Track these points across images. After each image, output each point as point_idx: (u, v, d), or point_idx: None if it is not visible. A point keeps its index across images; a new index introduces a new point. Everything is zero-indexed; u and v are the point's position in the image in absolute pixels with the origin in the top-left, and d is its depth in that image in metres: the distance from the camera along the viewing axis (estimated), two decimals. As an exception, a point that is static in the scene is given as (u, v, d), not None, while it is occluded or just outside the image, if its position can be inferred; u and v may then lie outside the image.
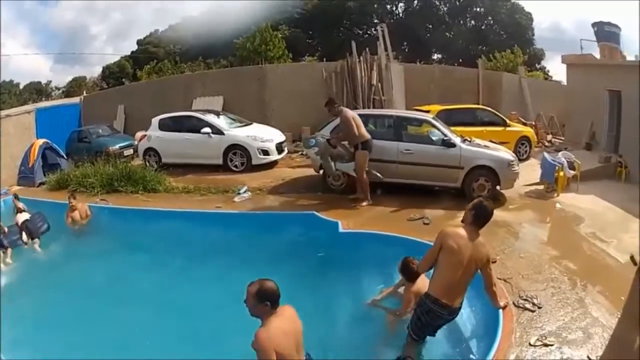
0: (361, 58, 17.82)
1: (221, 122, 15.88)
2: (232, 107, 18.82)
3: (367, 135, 10.42)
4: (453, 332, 5.76)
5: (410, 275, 6.09)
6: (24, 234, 12.02)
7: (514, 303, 6.16)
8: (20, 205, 13.67)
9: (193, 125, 15.95)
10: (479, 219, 5.15)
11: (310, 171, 13.30)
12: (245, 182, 13.24)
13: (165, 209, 12.26)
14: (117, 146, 19.07)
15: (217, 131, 15.34)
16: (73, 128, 23.34)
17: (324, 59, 26.08)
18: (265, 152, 14.83)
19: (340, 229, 9.20)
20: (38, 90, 55.46)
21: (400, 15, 46.64)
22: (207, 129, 15.36)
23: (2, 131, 21.57)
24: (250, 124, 16.27)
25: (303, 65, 25.43)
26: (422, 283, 5.89)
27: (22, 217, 12.81)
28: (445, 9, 46.79)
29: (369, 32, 44.34)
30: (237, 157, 15.03)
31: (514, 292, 6.49)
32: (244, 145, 14.89)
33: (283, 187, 12.73)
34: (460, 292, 5.14)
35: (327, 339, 5.88)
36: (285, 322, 4.40)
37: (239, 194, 12.34)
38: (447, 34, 45.82)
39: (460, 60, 41.44)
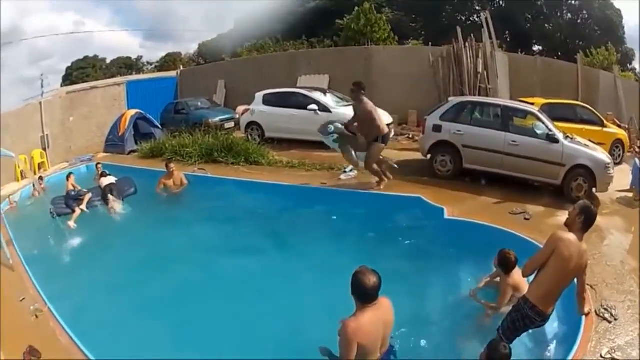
0: (467, 44, 17.60)
1: (328, 100, 16.01)
2: (338, 86, 18.81)
3: (387, 129, 10.42)
4: (533, 334, 5.66)
5: (507, 267, 6.14)
6: (109, 196, 12.93)
7: (595, 311, 6.06)
8: (100, 168, 14.98)
9: (299, 102, 16.21)
10: (588, 225, 5.00)
11: (417, 155, 13.29)
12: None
13: (267, 181, 12.52)
14: (217, 119, 19.60)
15: (324, 109, 15.49)
16: (169, 101, 24.32)
17: (429, 44, 25.84)
18: None
19: (446, 216, 9.22)
20: (128, 65, 58.54)
21: (501, 3, 45.71)
22: (313, 106, 15.55)
23: (88, 102, 23.27)
24: None
25: (409, 49, 25.30)
26: (518, 276, 5.99)
27: (107, 180, 13.69)
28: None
29: (471, 18, 43.67)
30: None
31: (597, 300, 6.39)
32: None
33: (389, 168, 12.46)
34: (556, 299, 5.11)
35: (418, 325, 5.89)
36: (377, 316, 4.39)
37: (345, 172, 12.40)
38: (546, 25, 44.56)
39: (560, 53, 40.26)
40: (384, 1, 42.91)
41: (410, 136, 16.58)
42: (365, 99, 10.43)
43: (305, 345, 5.50)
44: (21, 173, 18.43)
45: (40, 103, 20.64)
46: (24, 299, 8.14)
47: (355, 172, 12.29)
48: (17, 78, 71.94)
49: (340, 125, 10.62)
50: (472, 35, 17.77)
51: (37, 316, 7.49)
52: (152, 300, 7.79)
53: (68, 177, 14.54)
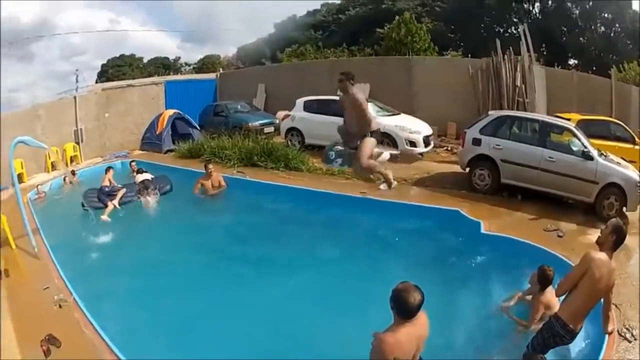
0: (505, 57, 17.54)
1: (369, 108, 15.67)
2: (379, 95, 18.85)
3: (377, 126, 9.48)
4: (556, 350, 5.58)
5: (544, 284, 6.18)
6: (145, 192, 13.34)
7: (618, 331, 6.10)
8: (134, 166, 15.45)
9: (340, 110, 15.90)
10: (619, 244, 5.06)
11: (456, 167, 13.31)
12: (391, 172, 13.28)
13: (307, 187, 12.65)
14: (257, 123, 19.79)
15: (366, 117, 15.35)
16: (207, 102, 24.66)
17: (469, 55, 25.79)
18: (413, 144, 14.78)
19: (482, 230, 9.26)
20: (165, 65, 58.86)
21: (537, 15, 45.28)
22: (354, 114, 15.43)
23: (125, 99, 23.56)
24: (399, 113, 16.30)
25: (449, 60, 25.17)
26: (551, 295, 6.05)
27: (142, 177, 14.10)
28: (577, 12, 44.91)
29: (509, 30, 43.42)
30: (384, 146, 14.96)
31: (620, 319, 6.41)
32: (391, 134, 14.90)
33: (428, 180, 12.76)
34: (585, 317, 5.16)
35: (449, 337, 5.94)
36: (414, 332, 4.36)
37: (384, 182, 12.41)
38: (580, 38, 44.02)
39: (594, 67, 39.76)
40: (423, 11, 42.96)
41: (449, 148, 16.56)
42: (355, 89, 9.30)
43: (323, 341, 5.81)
44: (52, 164, 18.91)
45: (75, 97, 21.10)
46: (47, 287, 8.33)
47: (395, 182, 12.35)
48: (49, 72, 73.34)
49: (339, 147, 9.93)
50: (510, 48, 17.71)
51: (60, 306, 7.64)
52: (177, 297, 7.94)
53: (107, 170, 14.77)
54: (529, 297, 6.49)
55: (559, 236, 9.05)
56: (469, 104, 17.85)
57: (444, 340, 5.40)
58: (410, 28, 34.42)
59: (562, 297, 5.31)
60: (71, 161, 19.99)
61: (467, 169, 12.30)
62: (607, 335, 5.68)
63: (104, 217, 12.64)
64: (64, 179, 16.60)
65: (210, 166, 13.85)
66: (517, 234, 8.87)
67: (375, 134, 9.20)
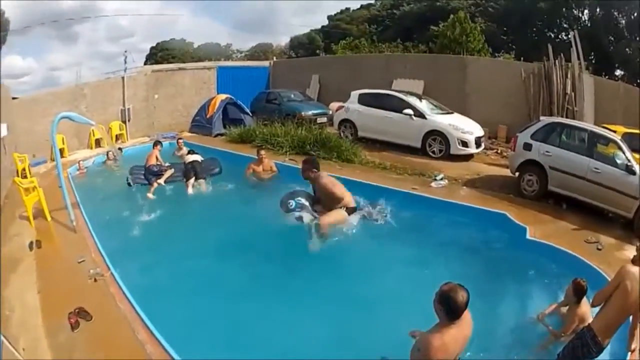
0: (556, 63, 17.34)
1: (423, 106, 15.97)
2: (432, 93, 18.77)
3: (352, 203, 9.57)
4: None
5: (580, 296, 6.14)
6: (192, 173, 13.58)
7: None
8: (184, 149, 15.73)
9: (394, 105, 16.25)
10: None
11: (504, 171, 13.27)
12: (442, 170, 13.36)
13: (359, 180, 12.60)
14: (310, 112, 19.87)
15: (419, 114, 15.51)
16: (259, 89, 24.80)
17: (521, 58, 25.50)
18: (464, 144, 14.77)
19: (528, 236, 9.21)
20: (217, 52, 59.44)
21: (587, 22, 44.31)
22: (409, 111, 15.60)
23: (175, 82, 24.16)
24: (452, 112, 16.25)
25: (502, 62, 24.76)
26: (586, 307, 6.07)
27: (192, 157, 14.30)
28: (623, 22, 43.72)
29: (559, 36, 42.68)
30: (436, 144, 15.13)
31: None
32: (444, 132, 14.92)
33: (478, 182, 12.70)
34: (614, 332, 5.19)
35: (482, 338, 5.78)
36: (459, 333, 4.38)
37: (436, 180, 12.54)
38: (627, 49, 42.97)
39: (639, 80, 38.82)
40: (477, 10, 42.54)
41: (499, 151, 16.40)
42: (321, 174, 9.63)
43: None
44: (96, 141, 19.44)
45: (123, 78, 21.55)
46: (83, 260, 8.46)
47: (446, 181, 12.42)
48: (94, 52, 74.29)
49: (302, 200, 9.84)
50: (561, 54, 17.48)
51: (96, 280, 7.75)
52: (218, 278, 8.03)
53: (155, 144, 15.11)
54: (564, 309, 6.50)
55: (598, 249, 8.90)
56: (520, 108, 17.71)
57: (479, 340, 5.29)
58: (464, 27, 34.29)
59: (597, 310, 5.38)
60: (116, 139, 20.54)
61: (517, 174, 12.23)
62: (629, 353, 5.68)
63: (149, 194, 12.98)
64: (107, 155, 16.93)
65: (263, 152, 14.01)
66: (560, 242, 8.81)
67: (349, 210, 9.39)
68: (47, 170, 16.14)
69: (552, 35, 42.62)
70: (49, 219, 10.82)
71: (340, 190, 9.46)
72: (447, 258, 8.46)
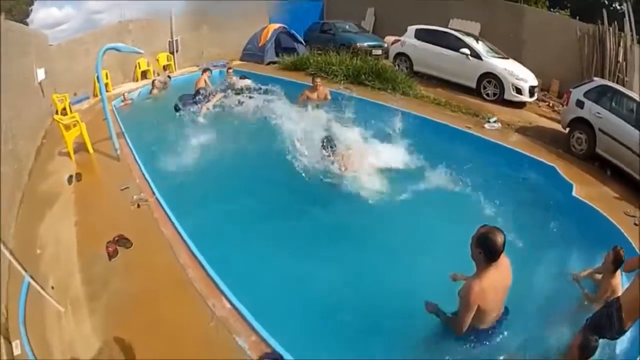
0: (610, 30, 17.03)
1: (480, 47, 15.78)
2: (488, 37, 18.38)
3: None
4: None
5: (617, 265, 5.95)
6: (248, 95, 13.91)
7: None
8: (234, 77, 16.04)
9: (451, 43, 16.13)
10: None
11: (555, 125, 13.18)
12: (495, 113, 13.32)
13: (413, 112, 12.57)
14: (365, 44, 19.72)
15: (476, 55, 15.37)
16: (313, 21, 24.61)
17: (576, 17, 24.86)
18: (518, 91, 14.61)
19: (573, 193, 9.12)
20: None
21: None
22: (465, 50, 15.48)
23: (226, 11, 23.34)
24: (507, 58, 16.04)
25: (559, 17, 23.98)
26: (619, 279, 5.94)
27: (243, 82, 14.86)
28: None
29: (613, 5, 41.48)
30: (491, 87, 15.02)
31: None
32: (500, 76, 14.78)
33: (529, 130, 12.65)
34: (637, 316, 4.96)
35: (517, 289, 5.41)
36: (499, 277, 4.44)
37: (489, 122, 12.55)
38: None
39: None
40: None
41: (550, 104, 16.18)
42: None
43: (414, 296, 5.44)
44: (142, 73, 19.65)
45: (171, 11, 21.52)
46: (126, 187, 8.65)
47: (499, 124, 12.39)
48: None
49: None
50: (615, 22, 17.11)
51: (139, 205, 7.91)
52: (262, 207, 8.05)
53: (204, 71, 15.34)
54: (599, 276, 6.32)
55: (635, 224, 8.58)
56: (574, 65, 17.30)
57: (512, 290, 5.22)
58: None
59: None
60: (164, 70, 20.65)
61: (567, 129, 12.10)
62: None
63: (200, 118, 13.20)
64: (153, 84, 17.17)
65: (318, 79, 14.02)
66: (601, 206, 8.65)
67: None
68: (89, 106, 16.33)
69: (607, 2, 41.56)
70: (91, 151, 11.00)
71: None
72: (491, 202, 8.36)
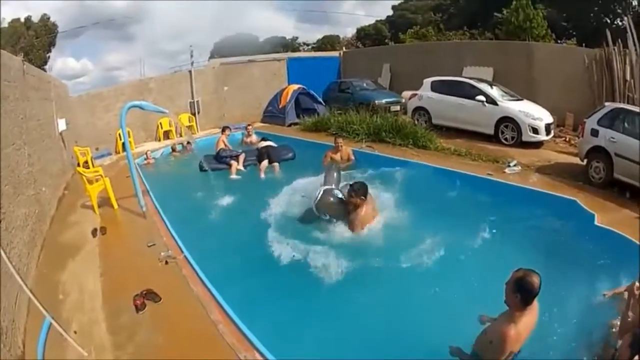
0: (615, 49, 16.89)
1: (495, 92, 15.86)
2: (501, 80, 18.70)
3: None
4: None
5: None
6: (269, 157, 14.11)
7: None
8: (253, 135, 16.64)
9: (466, 92, 16.27)
10: None
11: (573, 159, 13.10)
12: (515, 156, 13.35)
13: (437, 166, 12.88)
14: (383, 101, 20.03)
15: (491, 101, 15.46)
16: (330, 79, 25.15)
17: (583, 44, 24.88)
18: (535, 131, 14.61)
19: (595, 222, 9.05)
20: (283, 45, 60.84)
21: (637, 8, 42.48)
22: (481, 97, 15.60)
23: (245, 74, 24.70)
24: (522, 99, 16.06)
25: (566, 48, 24.08)
26: None
27: (265, 143, 14.92)
28: None
29: (615, 22, 41.22)
30: (508, 131, 15.06)
31: None
32: (516, 119, 14.80)
33: (548, 168, 12.63)
34: None
35: (550, 319, 5.64)
36: (532, 320, 4.42)
37: (509, 166, 12.56)
38: None
39: None
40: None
41: (567, 139, 16.08)
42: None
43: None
44: (164, 133, 20.18)
45: (190, 72, 22.14)
46: (153, 244, 8.56)
47: (519, 167, 12.49)
48: (154, 50, 74.98)
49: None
50: (619, 40, 17.00)
51: (167, 262, 7.81)
52: (294, 263, 7.89)
53: (223, 130, 15.62)
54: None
55: None
56: (585, 95, 17.20)
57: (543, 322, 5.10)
58: (528, 13, 33.38)
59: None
60: (188, 129, 21.06)
61: (585, 160, 12.00)
62: None
63: (233, 175, 13.57)
64: (173, 148, 17.63)
65: (340, 140, 14.09)
66: (625, 230, 8.53)
67: None
68: (111, 162, 16.72)
69: (609, 21, 41.39)
70: (116, 206, 11.11)
71: None
72: (516, 242, 8.42)
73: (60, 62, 52.43)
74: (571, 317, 6.08)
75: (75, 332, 5.89)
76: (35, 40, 42.11)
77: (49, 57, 45.57)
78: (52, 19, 46.60)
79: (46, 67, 36.34)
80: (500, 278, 4.58)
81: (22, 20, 43.98)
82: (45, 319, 5.61)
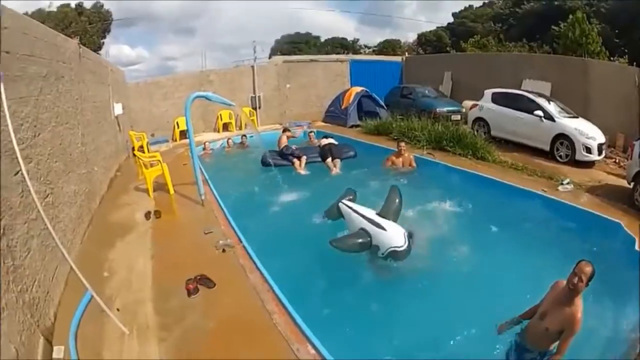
0: None
1: (552, 108, 15.68)
2: (557, 95, 18.41)
3: None
4: None
5: None
6: (331, 154, 14.33)
7: None
8: (315, 140, 16.60)
9: (524, 105, 16.13)
10: None
11: (623, 181, 12.86)
12: (567, 175, 13.35)
13: (494, 178, 12.95)
14: (444, 109, 20.06)
15: (549, 117, 15.30)
16: (391, 84, 25.33)
17: (634, 63, 24.47)
18: (588, 150, 14.42)
19: (636, 247, 8.94)
20: (343, 46, 60.73)
21: None
22: (539, 112, 15.46)
23: (307, 73, 25.05)
24: (577, 117, 15.85)
25: (619, 66, 23.27)
26: None
27: (326, 141, 15.17)
28: None
29: None
30: (563, 148, 14.91)
31: None
32: (571, 137, 14.63)
33: (598, 189, 12.54)
34: None
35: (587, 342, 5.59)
36: None
37: (562, 184, 12.56)
38: None
39: None
40: (591, 11, 40.58)
41: (617, 161, 15.82)
42: None
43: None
44: (223, 125, 20.73)
45: (253, 67, 22.62)
46: (210, 232, 8.58)
47: (572, 185, 12.51)
48: (213, 44, 75.67)
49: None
50: None
51: (224, 250, 7.76)
52: (348, 262, 7.90)
53: (284, 131, 15.98)
54: None
55: None
56: (635, 115, 16.79)
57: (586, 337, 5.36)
58: (584, 29, 33.12)
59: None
60: (245, 125, 21.51)
61: (632, 184, 11.71)
62: None
63: (300, 170, 13.95)
64: (227, 142, 17.96)
65: (403, 144, 14.18)
66: None
67: None
68: (167, 149, 17.19)
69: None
70: (172, 192, 11.36)
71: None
72: (560, 259, 7.92)
73: (115, 49, 53.01)
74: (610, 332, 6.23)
75: (118, 310, 5.93)
76: (88, 25, 42.67)
77: (103, 43, 46.29)
78: (105, 7, 47.63)
79: (101, 52, 36.96)
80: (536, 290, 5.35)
81: (73, 5, 44.80)
82: (86, 293, 5.74)
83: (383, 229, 7.94)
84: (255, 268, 7.11)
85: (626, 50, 38.32)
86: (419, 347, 5.81)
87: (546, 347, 5.19)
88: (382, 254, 7.77)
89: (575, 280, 4.90)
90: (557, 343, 5.04)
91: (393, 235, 7.85)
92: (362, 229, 8.11)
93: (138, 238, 8.55)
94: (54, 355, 4.97)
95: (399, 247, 7.69)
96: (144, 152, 14.76)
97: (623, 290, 7.34)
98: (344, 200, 9.16)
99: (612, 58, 33.76)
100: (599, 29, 36.04)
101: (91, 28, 42.66)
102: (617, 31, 41.03)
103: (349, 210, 8.75)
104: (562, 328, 4.95)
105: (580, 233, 9.85)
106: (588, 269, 4.91)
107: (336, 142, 16.02)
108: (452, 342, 5.86)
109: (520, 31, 44.57)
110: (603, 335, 6.14)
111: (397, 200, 8.94)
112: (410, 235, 8.02)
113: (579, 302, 4.93)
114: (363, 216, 8.37)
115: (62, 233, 6.88)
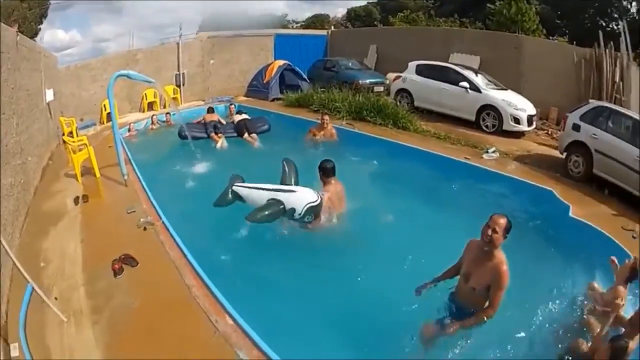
0: (606, 51, 17.19)
1: (479, 80, 16.07)
2: (488, 69, 18.80)
3: None
4: None
5: (631, 277, 5.67)
6: (245, 129, 14.52)
7: None
8: (233, 109, 16.82)
9: (450, 77, 16.53)
10: None
11: (553, 152, 13.35)
12: (493, 144, 13.61)
13: (414, 146, 13.12)
14: (367, 81, 20.26)
15: (475, 88, 15.70)
16: (317, 58, 25.37)
17: (574, 43, 25.06)
18: (517, 121, 14.84)
19: (570, 214, 9.22)
20: (272, 21, 59.77)
21: (635, 15, 42.84)
22: (465, 84, 15.85)
23: (231, 48, 24.86)
24: (506, 89, 16.31)
25: (556, 44, 23.82)
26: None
27: (239, 117, 15.34)
28: None
29: (610, 25, 41.55)
30: (490, 118, 15.33)
31: None
32: (498, 107, 15.06)
33: (527, 158, 12.85)
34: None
35: (519, 308, 5.76)
36: None
37: (487, 152, 12.80)
38: None
39: None
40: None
41: (549, 132, 16.40)
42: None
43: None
44: (148, 105, 20.40)
45: (178, 44, 22.22)
46: (133, 211, 8.80)
47: (497, 154, 12.72)
48: (143, 24, 74.57)
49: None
50: (611, 42, 17.26)
51: (145, 228, 8.03)
52: (267, 232, 7.96)
53: (208, 111, 16.36)
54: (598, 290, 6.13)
55: (633, 237, 8.61)
56: (571, 91, 17.51)
57: (516, 310, 5.52)
58: (520, 7, 34.17)
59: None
60: (169, 104, 21.17)
61: (565, 154, 12.24)
62: None
63: (219, 144, 13.95)
64: (152, 119, 17.55)
65: (327, 117, 14.25)
66: (600, 224, 8.72)
67: None
68: (95, 132, 16.92)
69: (604, 24, 41.73)
70: (98, 175, 11.27)
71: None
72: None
73: (50, 34, 51.48)
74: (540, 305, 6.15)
75: (55, 298, 6.06)
76: (28, 12, 41.63)
77: (39, 29, 44.98)
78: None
79: (36, 38, 35.98)
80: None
81: (15, -8, 43.27)
82: (28, 286, 5.83)
83: (292, 191, 8.07)
84: (174, 243, 7.38)
85: (567, 31, 39.47)
86: (343, 316, 5.98)
87: (481, 307, 5.14)
88: (300, 214, 7.80)
89: (490, 232, 4.97)
90: None
91: (304, 193, 7.98)
92: (270, 199, 8.06)
93: (69, 224, 8.68)
94: (12, 354, 5.07)
95: (314, 202, 7.82)
96: (73, 138, 14.04)
97: (564, 255, 7.69)
98: (237, 184, 8.92)
99: (550, 37, 34.60)
100: (538, 9, 36.92)
101: (30, 14, 41.16)
102: (559, 12, 42.16)
103: (249, 190, 8.60)
104: (489, 284, 4.99)
105: (511, 200, 10.12)
106: (502, 221, 5.01)
107: (249, 117, 15.89)
108: (374, 311, 6.00)
109: (453, 8, 45.59)
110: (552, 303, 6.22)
111: (294, 171, 8.96)
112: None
113: (500, 255, 5.01)
114: (266, 189, 8.33)
115: (3, 227, 6.77)
